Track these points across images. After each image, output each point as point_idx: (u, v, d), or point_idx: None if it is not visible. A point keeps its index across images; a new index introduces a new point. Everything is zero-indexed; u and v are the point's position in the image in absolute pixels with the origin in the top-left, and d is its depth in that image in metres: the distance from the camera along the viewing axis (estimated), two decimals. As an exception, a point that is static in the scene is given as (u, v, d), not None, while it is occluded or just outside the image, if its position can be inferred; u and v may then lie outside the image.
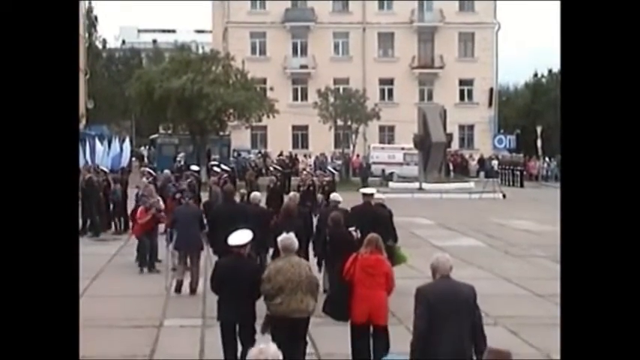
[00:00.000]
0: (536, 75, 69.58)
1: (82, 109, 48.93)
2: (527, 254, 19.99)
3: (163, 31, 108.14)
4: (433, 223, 26.46)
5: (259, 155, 51.37)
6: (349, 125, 48.92)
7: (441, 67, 59.43)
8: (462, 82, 59.98)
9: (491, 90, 60.23)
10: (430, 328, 7.43)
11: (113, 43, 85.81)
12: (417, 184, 38.99)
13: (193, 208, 15.84)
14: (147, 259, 16.67)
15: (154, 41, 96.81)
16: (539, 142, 52.63)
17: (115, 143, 37.49)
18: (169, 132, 48.37)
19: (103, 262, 17.47)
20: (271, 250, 12.70)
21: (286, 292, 8.83)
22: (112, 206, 22.66)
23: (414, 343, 7.55)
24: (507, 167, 48.25)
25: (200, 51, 59.43)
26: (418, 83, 59.79)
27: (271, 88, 48.54)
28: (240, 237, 9.35)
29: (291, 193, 16.77)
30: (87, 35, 61.79)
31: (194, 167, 27.81)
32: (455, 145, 51.88)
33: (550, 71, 66.45)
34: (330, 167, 39.60)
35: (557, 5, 5.49)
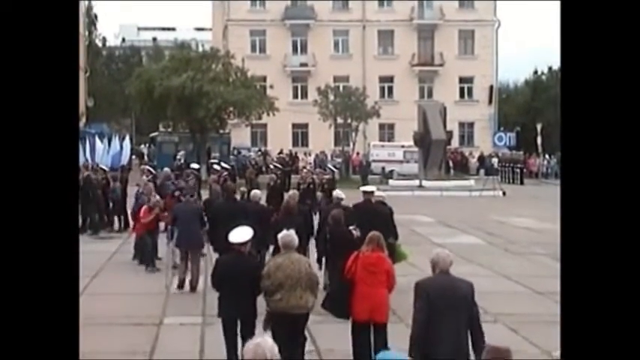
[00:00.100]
0: (536, 72, 69.52)
1: (82, 108, 48.91)
2: (527, 252, 19.99)
3: (163, 29, 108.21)
4: (433, 221, 26.46)
5: (259, 153, 51.35)
6: (349, 123, 48.90)
7: (441, 65, 59.42)
8: (461, 80, 59.97)
9: (491, 87, 60.22)
10: (429, 322, 7.48)
11: (113, 41, 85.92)
12: (417, 182, 38.97)
13: (193, 205, 15.84)
14: (150, 257, 16.67)
15: (154, 39, 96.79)
16: (539, 140, 52.60)
17: (115, 141, 37.51)
18: (169, 130, 48.34)
19: (103, 260, 17.47)
20: (271, 248, 12.72)
21: (286, 289, 8.88)
22: (111, 204, 22.66)
23: (412, 336, 7.62)
24: (507, 165, 48.23)
25: (200, 49, 59.29)
26: (418, 81, 59.78)
27: (271, 86, 48.52)
28: (241, 234, 9.39)
29: (291, 191, 16.76)
30: (87, 33, 61.75)
31: (194, 165, 27.76)
32: (455, 142, 51.85)
33: (550, 68, 66.40)
34: (330, 165, 39.58)
35: (557, 3, 5.49)
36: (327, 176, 26.75)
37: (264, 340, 4.92)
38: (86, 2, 61.17)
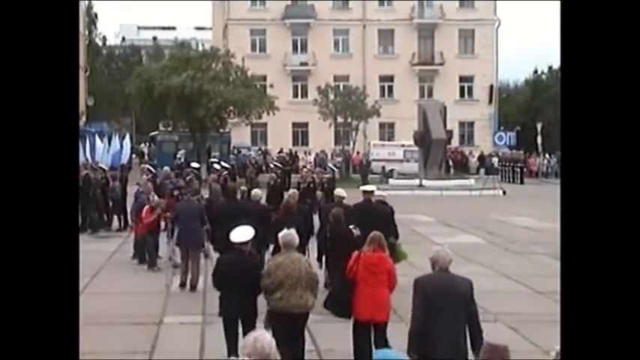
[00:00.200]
0: (536, 72, 69.51)
1: (82, 107, 48.92)
2: (527, 251, 19.99)
3: (163, 28, 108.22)
4: (433, 220, 26.46)
5: (259, 152, 51.37)
6: (349, 122, 48.90)
7: (441, 64, 59.44)
8: (462, 79, 60.00)
9: (492, 87, 60.24)
10: (427, 319, 7.51)
11: (113, 41, 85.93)
12: (417, 181, 38.95)
13: (194, 204, 15.84)
14: (152, 256, 16.66)
15: (154, 38, 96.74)
16: (539, 139, 52.61)
17: (115, 140, 37.52)
18: (169, 129, 48.36)
19: (102, 260, 17.47)
20: (271, 247, 12.73)
21: (286, 288, 8.91)
22: (110, 203, 22.65)
23: (411, 332, 7.67)
24: (507, 164, 48.22)
25: (200, 48, 59.29)
26: (418, 80, 59.79)
27: (271, 85, 48.53)
28: (242, 234, 9.41)
29: (291, 190, 16.77)
30: (87, 32, 61.76)
31: (194, 164, 27.80)
32: (455, 142, 51.86)
33: (550, 68, 66.38)
34: (330, 164, 39.58)
35: (557, 2, 5.49)
36: (327, 175, 26.76)
37: (262, 335, 4.95)
38: (86, 2, 61.19)
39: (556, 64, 62.87)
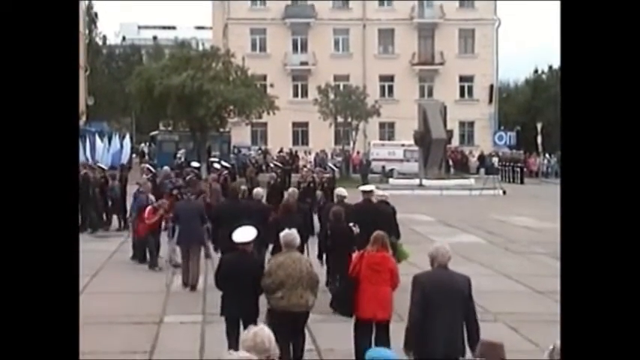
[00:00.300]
0: (536, 71, 69.54)
1: (82, 106, 48.92)
2: (528, 251, 20.00)
3: (164, 27, 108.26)
4: (433, 220, 26.46)
5: (259, 152, 51.39)
6: (349, 122, 48.91)
7: (442, 64, 59.44)
8: (462, 79, 60.02)
9: (492, 86, 60.25)
10: (424, 315, 7.55)
11: (113, 40, 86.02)
12: (417, 181, 38.96)
13: (194, 203, 15.85)
14: (153, 256, 16.66)
15: (155, 38, 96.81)
16: (539, 139, 52.62)
17: (115, 140, 37.53)
18: (169, 129, 48.35)
19: (103, 259, 17.47)
20: (270, 246, 12.74)
21: (287, 287, 8.97)
22: (110, 203, 22.64)
23: (408, 329, 7.70)
24: (507, 164, 48.23)
25: (200, 48, 59.32)
26: (418, 80, 59.80)
27: (271, 85, 48.51)
28: (245, 234, 9.44)
29: (291, 189, 16.79)
30: (87, 32, 61.76)
31: (194, 164, 27.81)
32: (455, 141, 51.87)
33: (550, 67, 66.41)
34: (330, 164, 39.57)
35: (557, 2, 5.49)
36: (327, 175, 26.74)
37: (261, 329, 4.99)
38: (86, 1, 61.20)
39: (556, 63, 62.92)
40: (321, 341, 10.88)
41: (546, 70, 67.67)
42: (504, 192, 37.89)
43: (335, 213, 12.97)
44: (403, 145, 47.79)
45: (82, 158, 26.65)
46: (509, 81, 75.78)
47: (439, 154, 40.10)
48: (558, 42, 5.13)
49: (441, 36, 59.73)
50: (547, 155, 54.31)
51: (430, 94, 58.88)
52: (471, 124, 59.81)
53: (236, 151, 49.97)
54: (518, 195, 37.86)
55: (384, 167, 46.76)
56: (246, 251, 9.44)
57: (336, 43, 59.66)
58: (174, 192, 19.20)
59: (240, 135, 53.29)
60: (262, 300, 9.40)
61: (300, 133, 58.19)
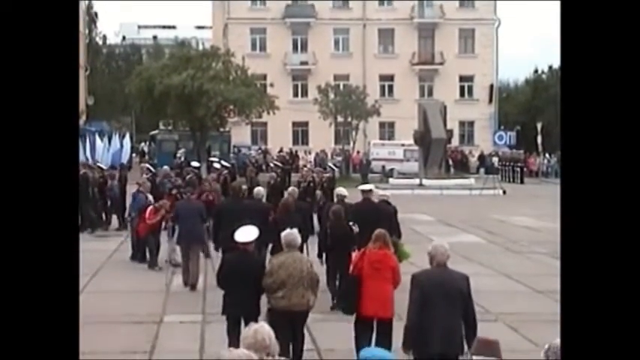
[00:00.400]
0: (536, 71, 69.55)
1: (82, 106, 48.90)
2: (528, 251, 20.00)
3: (164, 27, 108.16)
4: (433, 220, 26.46)
5: (259, 151, 51.37)
6: (349, 122, 48.92)
7: (441, 64, 59.43)
8: (462, 79, 60.01)
9: (492, 86, 60.25)
10: (423, 313, 7.57)
11: (113, 40, 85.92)
12: (417, 181, 38.95)
13: (194, 203, 15.85)
14: (153, 256, 16.65)
15: (155, 37, 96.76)
16: (539, 139, 52.61)
17: (115, 139, 37.56)
18: (169, 128, 48.34)
19: (102, 259, 17.47)
20: (269, 246, 12.75)
21: (288, 287, 9.02)
22: (109, 202, 22.63)
23: (407, 327, 7.73)
24: (507, 163, 48.23)
25: (200, 47, 59.32)
26: (418, 79, 59.79)
27: (271, 85, 48.50)
28: (247, 234, 9.47)
29: (290, 188, 16.81)
30: (87, 31, 61.73)
31: (194, 163, 27.82)
32: (455, 141, 51.86)
33: (550, 67, 66.40)
34: (330, 164, 39.57)
35: (557, 2, 5.49)
36: (327, 175, 26.73)
37: (262, 326, 5.04)
38: (86, 1, 61.17)
39: (556, 63, 62.94)
40: (321, 341, 10.87)
41: (546, 69, 67.72)
42: (504, 192, 37.88)
43: (335, 212, 13.01)
44: (403, 145, 47.78)
45: (81, 158, 26.65)
46: (509, 81, 75.91)
47: (439, 153, 40.09)
48: (558, 42, 5.13)
49: (441, 36, 59.73)
50: (547, 155, 54.31)
51: (430, 93, 58.87)
52: (471, 123, 59.81)
53: (236, 150, 49.97)
54: (518, 195, 37.86)
55: (384, 167, 46.77)
56: (247, 251, 9.49)
57: (336, 42, 59.66)
58: (174, 192, 19.21)
59: (240, 134, 53.28)
60: (263, 299, 9.41)
61: (300, 133, 58.18)
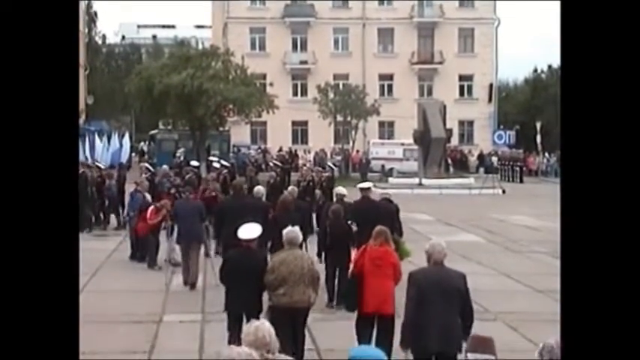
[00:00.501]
0: (535, 71, 69.57)
1: (81, 105, 48.89)
2: (527, 250, 20.00)
3: (163, 26, 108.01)
4: (433, 219, 26.46)
5: (259, 151, 51.35)
6: (349, 121, 48.93)
7: (441, 63, 59.41)
8: (461, 78, 59.99)
9: (491, 86, 60.23)
10: (420, 311, 7.61)
11: (113, 39, 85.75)
12: (416, 180, 38.95)
13: (193, 202, 15.85)
14: (153, 255, 16.65)
15: (154, 37, 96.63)
16: (538, 138, 52.61)
17: (115, 139, 37.59)
18: (169, 127, 48.29)
19: (102, 258, 17.46)
20: (269, 243, 12.77)
21: (289, 284, 9.09)
22: (107, 202, 22.62)
23: (404, 325, 7.77)
24: (507, 163, 48.25)
25: (200, 46, 59.29)
26: (418, 79, 59.77)
27: (271, 84, 48.49)
28: (251, 231, 9.52)
29: (290, 187, 16.83)
30: (86, 31, 61.70)
31: (194, 163, 27.83)
32: (454, 140, 51.88)
33: (549, 67, 66.42)
34: (329, 163, 39.57)
35: (557, 1, 5.49)
36: (326, 174, 26.73)
37: (263, 324, 5.08)
38: (86, 0, 61.13)
39: (555, 63, 62.99)
40: (321, 341, 10.87)
41: (545, 69, 67.75)
42: (504, 191, 37.89)
43: (334, 211, 13.08)
44: (403, 144, 47.80)
45: (81, 157, 26.65)
46: (509, 80, 75.90)
47: (438, 153, 40.09)
48: (557, 41, 5.13)
49: (440, 35, 59.71)
50: (546, 154, 54.32)
51: (430, 93, 58.86)
52: (471, 123, 59.79)
53: (235, 150, 49.95)
54: (517, 194, 37.87)
55: (383, 166, 46.78)
56: (250, 248, 9.58)
57: (336, 42, 59.64)
58: (172, 191, 19.21)
59: (239, 134, 53.26)
60: (265, 297, 9.44)
61: (300, 132, 58.16)
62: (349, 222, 13.22)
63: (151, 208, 16.63)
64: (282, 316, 8.87)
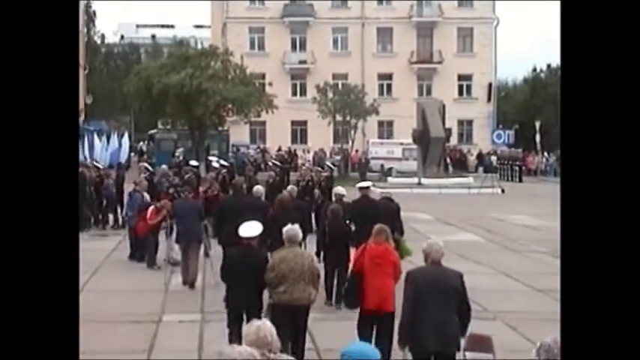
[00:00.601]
0: (534, 70, 69.57)
1: (80, 105, 48.83)
2: (527, 249, 20.00)
3: (162, 26, 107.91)
4: (432, 218, 26.46)
5: (258, 150, 51.33)
6: (348, 120, 48.92)
7: (440, 63, 59.41)
8: (460, 78, 59.98)
9: (490, 85, 60.23)
10: (417, 310, 7.63)
11: (112, 39, 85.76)
12: (415, 180, 38.96)
13: (193, 201, 15.84)
14: (152, 255, 16.64)
15: (153, 36, 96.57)
16: (537, 137, 52.65)
17: (114, 139, 37.57)
18: (168, 127, 48.26)
19: (101, 258, 17.45)
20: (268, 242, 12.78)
21: (289, 282, 9.12)
22: (105, 202, 22.61)
23: (401, 324, 7.79)
24: (506, 162, 48.27)
25: (199, 46, 59.26)
26: (417, 78, 59.77)
27: (270, 84, 48.46)
28: (251, 229, 9.55)
29: (289, 187, 16.83)
30: (85, 31, 61.66)
31: (193, 162, 27.82)
32: (454, 140, 51.89)
33: (549, 66, 66.44)
34: (328, 163, 39.57)
35: (557, 1, 5.49)
36: (325, 174, 26.72)
37: (264, 323, 5.09)
38: (85, 0, 61.09)
39: (555, 62, 63.00)
40: (321, 341, 10.87)
41: (545, 68, 67.74)
42: (503, 190, 37.90)
43: (333, 211, 13.09)
44: (402, 144, 47.80)
45: (80, 157, 26.64)
46: (508, 79, 75.90)
47: (438, 152, 40.10)
48: (557, 41, 5.13)
49: (439, 35, 59.70)
50: (545, 154, 54.35)
51: (429, 92, 58.83)
52: (470, 122, 59.80)
53: (235, 149, 49.93)
54: (516, 193, 37.87)
55: (382, 166, 46.78)
56: (251, 246, 9.60)
57: (335, 41, 59.63)
58: (171, 191, 19.20)
59: (238, 134, 53.24)
60: (265, 295, 9.45)
61: (299, 132, 58.15)
62: (347, 222, 13.24)
63: (151, 208, 16.61)
64: (283, 313, 8.91)
